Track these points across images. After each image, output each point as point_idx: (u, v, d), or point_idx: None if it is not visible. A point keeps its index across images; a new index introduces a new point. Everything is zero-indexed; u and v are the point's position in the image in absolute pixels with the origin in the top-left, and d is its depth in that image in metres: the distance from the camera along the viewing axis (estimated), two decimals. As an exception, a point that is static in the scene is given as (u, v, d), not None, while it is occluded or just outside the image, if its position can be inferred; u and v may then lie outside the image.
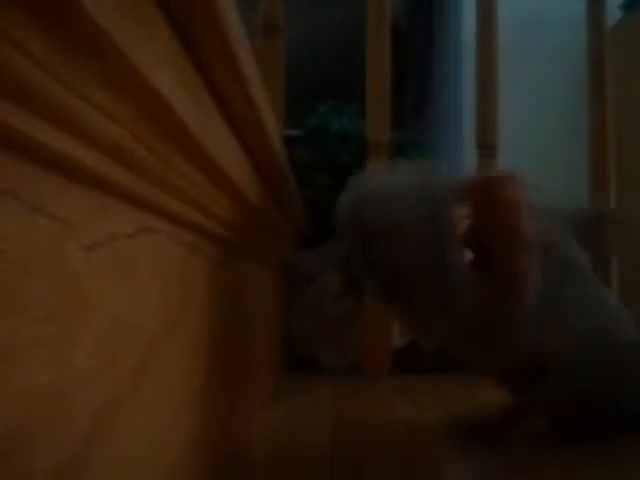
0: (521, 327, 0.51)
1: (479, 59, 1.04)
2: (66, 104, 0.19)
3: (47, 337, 0.19)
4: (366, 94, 1.01)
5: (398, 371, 0.97)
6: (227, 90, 0.34)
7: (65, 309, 0.20)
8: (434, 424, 0.67)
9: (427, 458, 0.55)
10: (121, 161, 0.24)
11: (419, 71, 2.45)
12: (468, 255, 0.50)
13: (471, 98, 1.06)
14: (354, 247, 0.53)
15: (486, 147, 1.02)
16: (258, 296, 0.72)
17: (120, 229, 0.25)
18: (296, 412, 0.73)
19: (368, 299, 0.96)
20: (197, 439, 0.38)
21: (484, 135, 1.02)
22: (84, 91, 0.19)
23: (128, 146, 0.23)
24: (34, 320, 0.18)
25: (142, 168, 0.26)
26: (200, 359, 0.40)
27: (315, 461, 0.52)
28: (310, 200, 1.04)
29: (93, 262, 0.22)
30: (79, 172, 0.21)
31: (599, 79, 1.07)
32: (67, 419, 0.20)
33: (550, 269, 0.52)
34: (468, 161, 1.33)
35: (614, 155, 1.07)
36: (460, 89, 1.81)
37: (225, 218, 0.43)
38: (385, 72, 1.01)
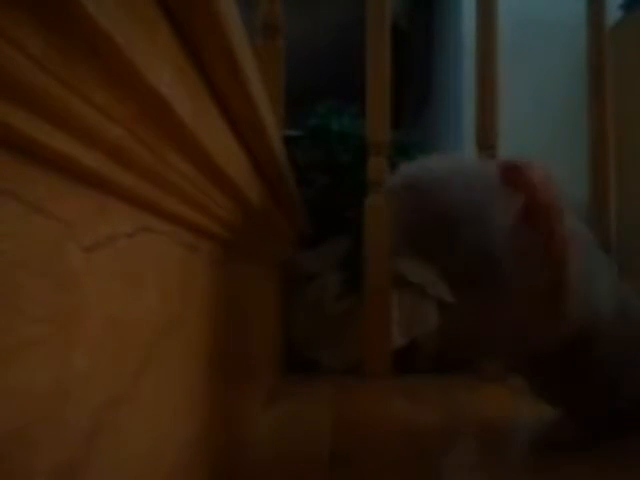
0: (572, 300, 0.51)
1: (479, 59, 1.04)
2: (66, 104, 0.18)
3: (47, 337, 0.19)
4: (366, 94, 1.01)
5: (398, 371, 0.97)
6: (227, 90, 0.34)
7: (65, 309, 0.20)
8: (434, 424, 0.67)
9: (427, 458, 0.55)
10: (121, 161, 0.24)
11: (419, 71, 2.45)
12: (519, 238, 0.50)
13: (471, 98, 1.06)
14: (427, 232, 0.53)
15: (486, 147, 1.02)
16: (258, 296, 0.72)
17: (120, 229, 0.25)
18: (296, 412, 0.73)
19: (367, 298, 0.96)
20: (197, 439, 0.38)
21: (484, 135, 1.02)
22: (84, 91, 0.19)
23: (128, 146, 0.23)
24: (34, 320, 0.18)
25: (142, 168, 0.26)
26: (200, 359, 0.40)
27: (315, 461, 0.52)
28: (310, 200, 1.04)
29: (93, 262, 0.22)
30: (79, 172, 0.21)
31: (599, 79, 1.07)
32: (67, 419, 0.20)
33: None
34: (468, 161, 1.33)
35: (614, 155, 1.07)
36: (460, 89, 1.81)
37: (225, 218, 0.43)
38: (385, 72, 1.01)
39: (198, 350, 0.39)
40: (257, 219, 0.56)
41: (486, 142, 1.02)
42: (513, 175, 0.50)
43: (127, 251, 0.26)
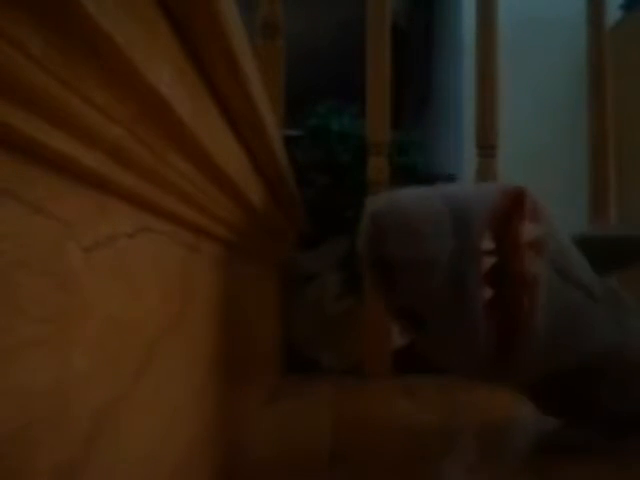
0: (533, 356, 0.50)
1: (479, 59, 1.04)
2: (66, 104, 0.18)
3: (47, 337, 0.19)
4: (366, 94, 1.01)
5: (398, 371, 0.97)
6: (227, 90, 0.34)
7: (65, 309, 0.20)
8: (434, 424, 0.67)
9: (427, 458, 0.55)
10: (121, 161, 0.24)
11: (419, 71, 2.45)
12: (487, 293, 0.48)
13: (471, 98, 1.06)
14: (372, 276, 0.52)
15: (486, 147, 1.02)
16: (258, 296, 0.72)
17: (120, 229, 0.25)
18: (296, 412, 0.73)
19: (367, 298, 0.96)
20: (198, 439, 0.38)
21: (484, 135, 1.02)
22: (84, 91, 0.19)
23: (128, 146, 0.23)
24: (34, 320, 0.18)
25: (142, 168, 0.26)
26: (201, 359, 0.40)
27: (315, 461, 0.52)
28: (310, 200, 1.04)
29: (93, 262, 0.22)
30: (79, 172, 0.21)
31: (599, 79, 1.07)
32: (67, 419, 0.20)
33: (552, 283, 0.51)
34: (468, 161, 1.33)
35: (614, 155, 1.07)
36: (460, 89, 1.81)
37: (225, 218, 0.43)
38: (385, 72, 1.01)
39: (198, 350, 0.39)
40: (257, 219, 0.56)
41: (486, 142, 1.02)
42: (501, 226, 0.48)
43: (127, 251, 0.26)
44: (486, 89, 1.03)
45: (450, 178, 1.28)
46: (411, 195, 0.51)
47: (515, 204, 0.49)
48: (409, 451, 0.56)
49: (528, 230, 0.49)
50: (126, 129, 0.23)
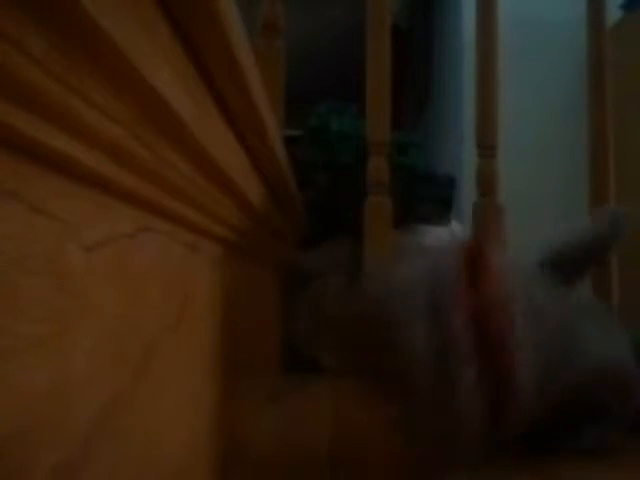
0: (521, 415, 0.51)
1: (479, 59, 1.04)
2: (66, 104, 0.18)
3: (47, 337, 0.19)
4: (366, 94, 1.01)
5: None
6: (227, 90, 0.34)
7: (65, 309, 0.20)
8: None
9: (427, 458, 0.55)
10: (121, 161, 0.24)
11: (419, 71, 2.45)
12: (472, 365, 0.49)
13: (471, 98, 1.06)
14: (349, 345, 0.53)
15: (486, 147, 1.02)
16: (258, 296, 0.72)
17: (120, 229, 0.25)
18: (296, 412, 0.73)
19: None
20: (197, 438, 0.38)
21: (484, 135, 1.02)
22: (84, 91, 0.19)
23: (128, 146, 0.23)
24: (34, 320, 0.18)
25: (142, 168, 0.26)
26: (200, 359, 0.40)
27: (315, 461, 0.52)
28: (310, 200, 1.04)
29: (93, 262, 0.22)
30: (79, 172, 0.21)
31: (599, 79, 1.07)
32: (67, 419, 0.20)
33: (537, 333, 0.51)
34: (468, 161, 1.33)
35: (614, 155, 1.07)
36: (460, 89, 1.81)
37: (225, 218, 0.43)
38: (385, 72, 1.01)
39: (198, 350, 0.39)
40: (257, 219, 0.56)
41: (486, 142, 1.02)
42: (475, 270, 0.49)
43: (127, 251, 0.26)
44: (486, 89, 1.03)
45: (450, 180, 1.28)
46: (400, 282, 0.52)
47: (473, 270, 0.50)
48: (409, 451, 0.56)
49: (491, 293, 0.50)
50: (126, 129, 0.23)
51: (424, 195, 1.21)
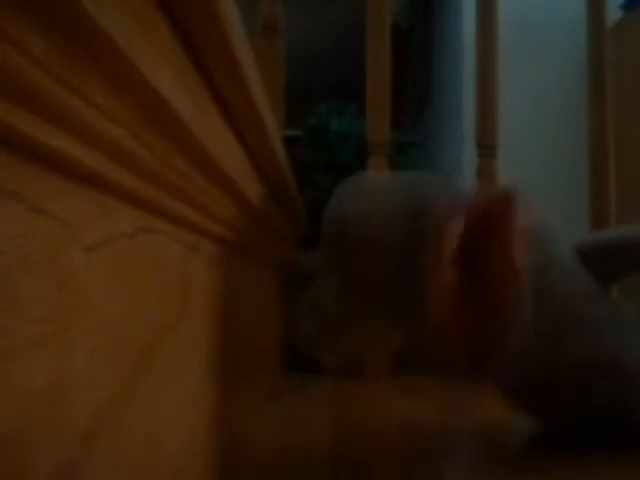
0: (507, 361, 0.49)
1: (479, 59, 1.04)
2: (66, 104, 0.19)
3: (47, 337, 0.19)
4: (366, 94, 1.01)
5: (398, 371, 0.97)
6: (227, 90, 0.34)
7: (65, 309, 0.20)
8: (434, 424, 0.67)
9: (427, 458, 0.55)
10: (121, 161, 0.24)
11: (419, 71, 2.45)
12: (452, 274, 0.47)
13: (471, 98, 1.06)
14: (332, 262, 0.53)
15: (486, 147, 1.02)
16: (258, 296, 0.72)
17: (120, 229, 0.25)
18: (296, 412, 0.73)
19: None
20: (197, 439, 0.38)
21: (484, 135, 1.02)
22: (84, 91, 0.19)
23: (128, 146, 0.23)
24: (34, 320, 0.18)
25: (142, 168, 0.26)
26: (200, 359, 0.40)
27: (315, 461, 0.52)
28: (310, 200, 1.04)
29: (93, 262, 0.22)
30: (79, 172, 0.21)
31: (599, 79, 1.07)
32: (67, 419, 0.20)
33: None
34: (468, 161, 1.33)
35: (614, 155, 1.07)
36: (460, 89, 1.81)
37: (225, 218, 0.43)
38: (385, 72, 1.01)
39: (198, 350, 0.39)
40: (257, 219, 0.56)
41: (486, 142, 1.02)
42: (475, 216, 0.47)
43: (127, 251, 0.26)
44: (486, 89, 1.03)
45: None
46: (374, 186, 0.52)
47: (503, 204, 0.48)
48: (409, 451, 0.56)
49: (518, 226, 0.47)
50: (126, 129, 0.23)
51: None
